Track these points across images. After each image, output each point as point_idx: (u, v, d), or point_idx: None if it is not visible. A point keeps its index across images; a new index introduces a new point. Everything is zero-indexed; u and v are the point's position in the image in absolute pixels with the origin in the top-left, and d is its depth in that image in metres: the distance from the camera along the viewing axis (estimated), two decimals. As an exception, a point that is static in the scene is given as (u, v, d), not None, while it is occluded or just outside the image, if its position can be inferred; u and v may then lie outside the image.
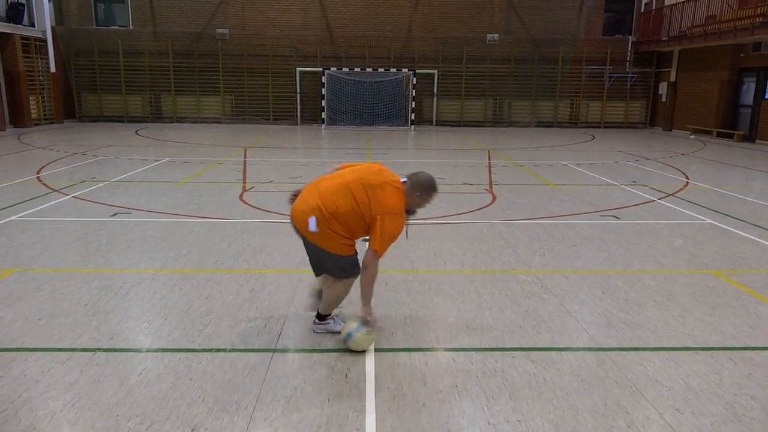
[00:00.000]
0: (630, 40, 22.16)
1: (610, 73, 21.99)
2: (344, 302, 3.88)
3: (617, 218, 7.24)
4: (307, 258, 3.66)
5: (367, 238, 3.47)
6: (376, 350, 3.57)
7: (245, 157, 12.50)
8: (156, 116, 21.88)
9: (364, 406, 2.99)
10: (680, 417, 2.92)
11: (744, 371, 3.39)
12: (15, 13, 18.45)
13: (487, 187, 9.28)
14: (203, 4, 21.19)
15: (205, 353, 3.52)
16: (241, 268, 5.13)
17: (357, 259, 3.56)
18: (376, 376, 3.27)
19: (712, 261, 5.50)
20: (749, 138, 17.67)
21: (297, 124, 21.81)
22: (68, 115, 21.35)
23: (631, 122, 22.70)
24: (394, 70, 21.27)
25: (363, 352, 3.52)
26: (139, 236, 6.09)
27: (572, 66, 21.96)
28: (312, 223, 3.39)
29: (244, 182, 9.44)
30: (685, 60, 20.51)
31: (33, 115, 19.23)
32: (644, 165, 12.16)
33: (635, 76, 22.11)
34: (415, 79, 21.07)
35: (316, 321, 3.81)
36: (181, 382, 3.18)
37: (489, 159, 12.76)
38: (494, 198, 8.43)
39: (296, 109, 21.83)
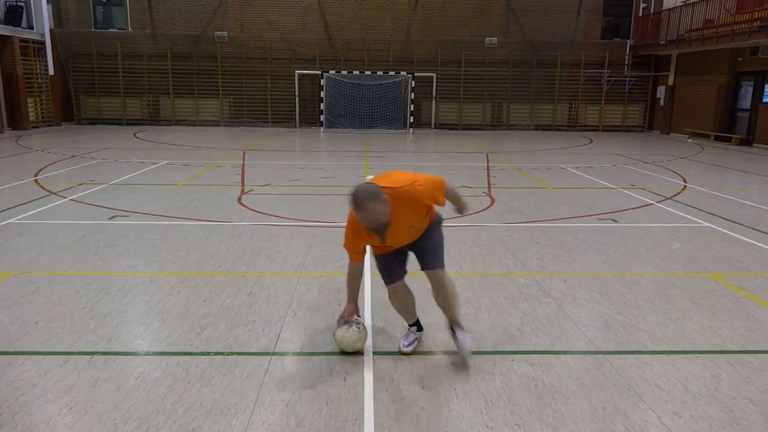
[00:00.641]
0: (628, 44, 22.22)
1: (609, 77, 22.04)
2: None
3: (615, 221, 7.24)
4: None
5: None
6: (374, 353, 3.57)
7: (244, 160, 12.49)
8: (154, 119, 21.87)
9: (363, 409, 2.98)
10: (679, 420, 2.92)
11: (742, 375, 3.39)
12: (14, 16, 18.46)
13: (486, 190, 9.28)
14: (202, 7, 21.21)
15: (203, 356, 3.51)
16: (239, 271, 5.12)
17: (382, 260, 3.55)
18: (375, 380, 3.26)
19: (710, 264, 5.51)
20: (747, 141, 17.72)
21: (296, 127, 21.82)
22: (66, 118, 21.34)
23: (629, 126, 22.75)
24: (393, 73, 21.31)
25: (360, 354, 3.51)
26: (136, 239, 6.08)
27: (570, 69, 22.02)
28: None
29: (243, 185, 9.44)
30: (683, 64, 20.57)
31: (31, 118, 19.23)
32: (642, 168, 12.17)
33: (633, 79, 22.17)
34: (413, 82, 21.11)
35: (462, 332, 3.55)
36: (178, 385, 3.17)
37: (487, 162, 12.77)
38: (493, 201, 8.43)
39: (295, 112, 21.84)
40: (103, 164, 11.52)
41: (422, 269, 3.47)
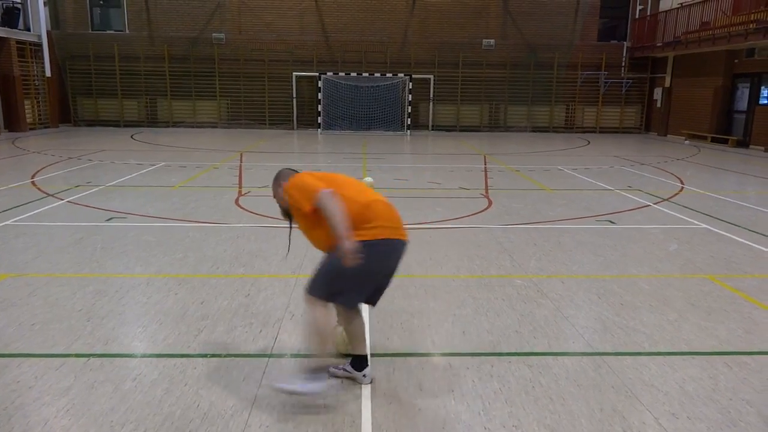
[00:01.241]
0: (625, 46, 22.28)
1: (606, 79, 22.10)
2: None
3: (613, 223, 7.25)
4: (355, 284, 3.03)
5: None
6: (372, 355, 3.56)
7: (241, 162, 12.48)
8: (152, 121, 21.84)
9: (360, 411, 2.98)
10: (676, 422, 2.92)
11: (739, 376, 3.39)
12: (11, 18, 18.44)
13: (483, 192, 9.29)
14: (199, 9, 21.20)
15: (200, 358, 3.51)
16: (236, 272, 5.11)
17: None
18: (372, 381, 3.26)
19: (707, 266, 5.52)
20: (743, 143, 17.77)
21: (293, 128, 21.81)
22: (63, 120, 21.30)
23: (626, 127, 22.80)
24: (391, 75, 21.32)
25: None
26: (134, 241, 6.06)
27: (568, 71, 22.06)
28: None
29: (240, 187, 9.43)
30: (680, 66, 20.64)
31: (28, 120, 19.19)
32: (639, 170, 12.20)
33: (630, 81, 22.23)
34: (411, 84, 21.12)
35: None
36: (175, 387, 3.16)
37: (485, 164, 12.78)
38: (490, 203, 8.44)
39: (292, 113, 21.84)
40: (101, 166, 11.50)
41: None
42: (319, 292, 3.00)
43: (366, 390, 3.18)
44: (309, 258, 5.49)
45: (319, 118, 21.24)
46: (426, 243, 6.13)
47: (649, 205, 8.38)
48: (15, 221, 6.79)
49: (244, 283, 4.81)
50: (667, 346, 3.78)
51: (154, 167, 11.46)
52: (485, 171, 11.66)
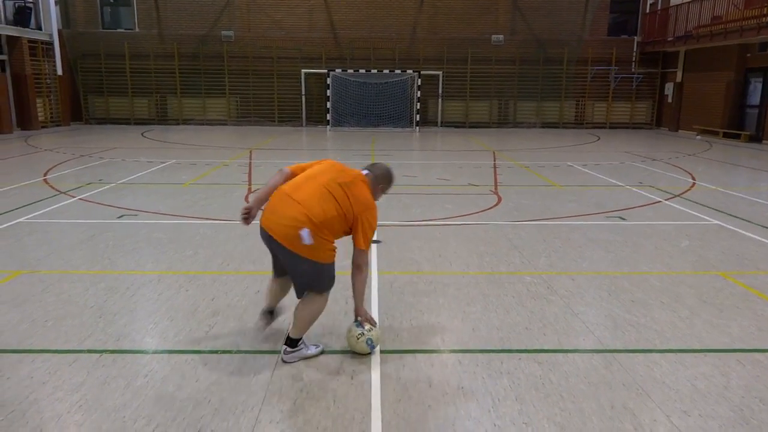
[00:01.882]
0: (635, 41, 22.09)
1: (616, 74, 21.92)
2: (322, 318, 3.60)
3: (623, 219, 7.21)
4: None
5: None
6: (381, 352, 3.57)
7: (251, 159, 12.53)
8: (162, 118, 21.96)
9: (370, 407, 2.99)
10: (688, 419, 2.91)
11: (752, 373, 3.37)
12: (22, 17, 18.59)
13: (493, 188, 9.26)
14: (208, 7, 21.27)
15: (211, 355, 3.53)
16: (247, 269, 5.14)
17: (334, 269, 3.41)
18: (382, 378, 3.27)
19: (719, 262, 5.47)
20: (756, 138, 17.57)
21: (302, 125, 21.85)
22: (75, 118, 21.47)
23: (636, 123, 22.63)
24: (399, 71, 21.29)
25: (368, 354, 3.52)
26: (145, 238, 6.11)
27: (577, 67, 21.91)
28: (306, 236, 3.16)
29: (250, 184, 9.46)
30: (691, 60, 20.42)
31: (40, 118, 19.35)
32: (650, 166, 12.11)
33: (641, 76, 22.04)
34: (419, 80, 21.08)
35: (287, 349, 3.43)
36: (187, 383, 3.19)
37: (494, 160, 12.74)
38: (500, 199, 8.41)
39: (301, 110, 21.87)
40: (112, 164, 11.58)
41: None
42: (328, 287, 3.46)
43: (375, 386, 3.18)
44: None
45: (327, 114, 21.26)
46: (435, 239, 6.13)
47: (661, 201, 8.31)
48: (28, 219, 6.86)
49: (254, 280, 4.83)
50: (678, 343, 3.76)
51: (164, 165, 11.53)
52: (494, 167, 11.62)
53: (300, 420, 2.87)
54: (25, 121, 18.82)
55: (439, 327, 3.96)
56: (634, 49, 22.07)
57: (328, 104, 21.15)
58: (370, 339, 3.46)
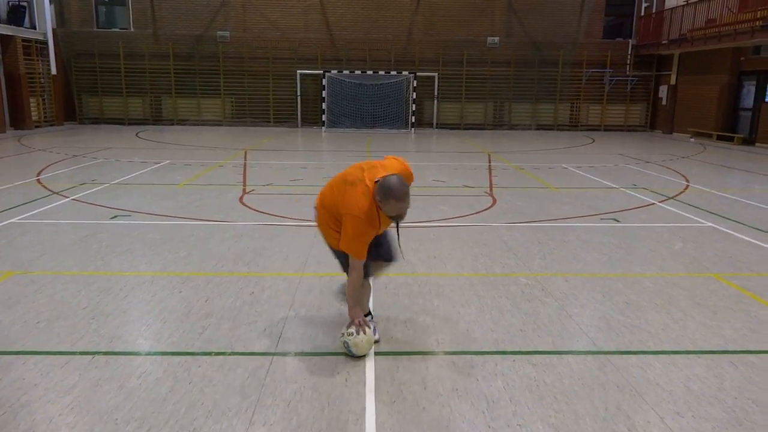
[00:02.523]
0: (630, 44, 22.19)
1: (611, 77, 22.01)
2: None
3: (617, 221, 7.23)
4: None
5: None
6: (375, 354, 3.56)
7: (245, 160, 12.50)
8: (156, 119, 21.90)
9: (364, 409, 2.98)
10: (681, 421, 2.91)
11: (745, 375, 3.38)
12: (16, 16, 18.51)
13: (488, 190, 9.27)
14: (204, 7, 21.23)
15: (204, 356, 3.51)
16: (240, 271, 5.12)
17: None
18: (376, 380, 3.26)
19: (712, 264, 5.49)
20: (749, 141, 17.69)
21: (297, 126, 21.83)
22: (69, 118, 21.37)
23: (631, 125, 22.72)
24: (395, 73, 21.30)
25: (363, 356, 3.51)
26: (138, 239, 6.08)
27: (572, 69, 21.99)
28: (314, 215, 3.62)
29: (245, 185, 9.44)
30: (686, 63, 20.53)
31: (33, 117, 19.26)
32: (644, 168, 12.16)
33: (635, 79, 22.14)
34: (415, 82, 21.10)
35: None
36: (180, 385, 3.17)
37: (489, 162, 12.76)
38: (494, 201, 8.43)
39: (297, 111, 21.85)
40: (105, 164, 11.53)
41: (385, 260, 3.74)
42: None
43: (370, 388, 3.18)
44: (312, 256, 5.50)
45: (323, 116, 21.25)
46: (430, 241, 6.13)
47: (654, 204, 8.34)
48: (20, 219, 6.82)
49: (249, 281, 4.82)
50: (672, 345, 3.77)
51: (158, 165, 11.49)
52: (489, 169, 11.64)
53: (294, 422, 2.86)
54: (19, 121, 18.73)
55: (434, 328, 3.96)
56: (629, 52, 22.17)
57: (324, 105, 21.14)
58: (347, 342, 3.45)
